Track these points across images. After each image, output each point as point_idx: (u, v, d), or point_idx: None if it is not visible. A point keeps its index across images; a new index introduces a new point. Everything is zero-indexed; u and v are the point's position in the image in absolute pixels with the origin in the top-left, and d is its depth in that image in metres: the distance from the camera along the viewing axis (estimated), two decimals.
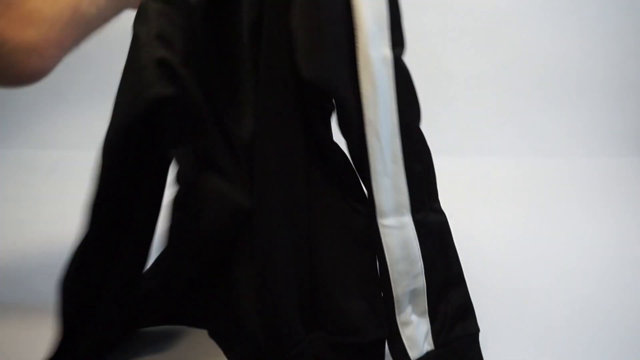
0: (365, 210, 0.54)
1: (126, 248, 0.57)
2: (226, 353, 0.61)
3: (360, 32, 0.50)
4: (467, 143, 1.09)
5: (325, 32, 0.50)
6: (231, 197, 0.56)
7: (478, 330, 0.57)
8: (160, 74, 0.50)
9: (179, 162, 0.62)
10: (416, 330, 0.54)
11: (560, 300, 0.71)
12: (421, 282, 0.54)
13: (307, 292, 0.56)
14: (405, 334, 0.53)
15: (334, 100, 0.53)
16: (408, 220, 0.54)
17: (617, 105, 1.11)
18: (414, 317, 0.54)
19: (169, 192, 0.61)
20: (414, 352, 0.53)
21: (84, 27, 0.35)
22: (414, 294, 0.54)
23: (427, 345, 0.54)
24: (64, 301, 0.55)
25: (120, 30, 0.58)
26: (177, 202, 0.63)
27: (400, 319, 0.54)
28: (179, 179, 0.63)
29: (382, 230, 0.53)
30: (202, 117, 0.54)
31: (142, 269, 0.60)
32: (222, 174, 0.57)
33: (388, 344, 0.55)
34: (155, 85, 0.50)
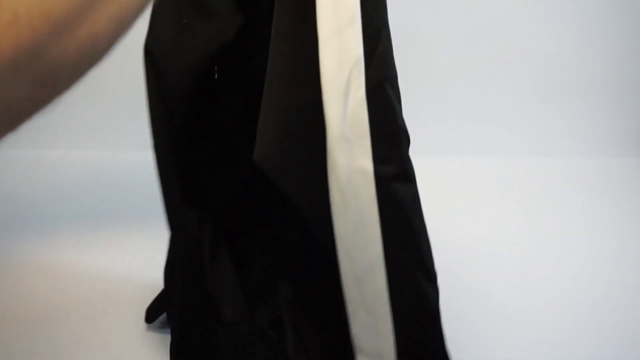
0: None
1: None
2: None
3: (328, 130, 0.41)
4: (466, 143, 1.08)
5: (288, 115, 0.43)
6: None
7: None
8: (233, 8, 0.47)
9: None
10: None
11: (560, 301, 0.71)
12: None
13: None
14: None
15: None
16: None
17: (617, 105, 1.11)
18: None
19: None
20: None
21: None
22: None
23: None
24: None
25: None
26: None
27: None
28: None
29: None
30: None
31: None
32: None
33: None
34: (235, 18, 0.46)
